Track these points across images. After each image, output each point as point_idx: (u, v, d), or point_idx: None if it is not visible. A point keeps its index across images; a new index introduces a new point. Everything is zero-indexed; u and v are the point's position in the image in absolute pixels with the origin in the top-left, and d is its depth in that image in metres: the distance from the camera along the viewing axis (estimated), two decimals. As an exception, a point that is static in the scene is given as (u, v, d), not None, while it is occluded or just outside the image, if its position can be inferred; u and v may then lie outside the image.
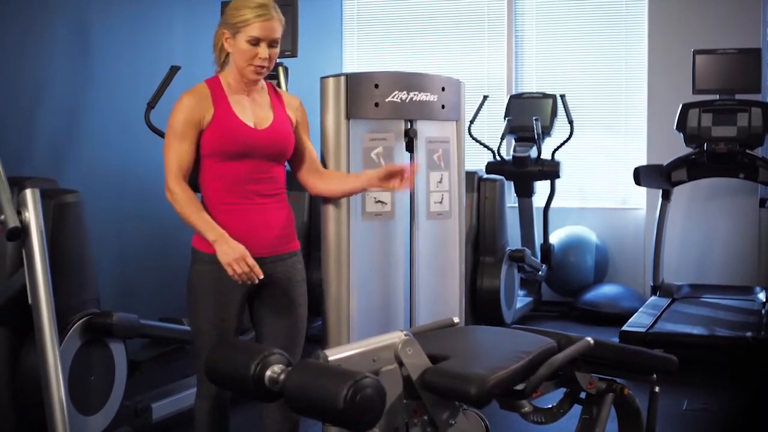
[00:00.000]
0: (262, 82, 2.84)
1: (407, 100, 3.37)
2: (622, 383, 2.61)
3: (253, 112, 2.78)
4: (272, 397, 2.13)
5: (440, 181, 3.49)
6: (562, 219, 6.69)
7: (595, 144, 6.84)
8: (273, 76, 4.46)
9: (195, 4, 5.48)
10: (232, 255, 2.62)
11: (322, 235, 3.31)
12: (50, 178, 3.52)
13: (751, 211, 6.33)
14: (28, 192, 2.66)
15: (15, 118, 4.23)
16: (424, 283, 3.45)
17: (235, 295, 2.74)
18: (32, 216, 2.64)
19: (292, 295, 2.83)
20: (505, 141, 6.37)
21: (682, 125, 5.56)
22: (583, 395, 2.60)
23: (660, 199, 5.90)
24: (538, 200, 6.46)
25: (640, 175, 5.68)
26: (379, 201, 3.35)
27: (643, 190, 6.44)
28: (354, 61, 7.43)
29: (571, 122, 6.17)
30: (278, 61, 3.88)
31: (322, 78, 3.35)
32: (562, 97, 6.21)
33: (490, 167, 6.22)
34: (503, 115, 6.38)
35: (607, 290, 6.38)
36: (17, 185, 2.95)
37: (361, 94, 3.30)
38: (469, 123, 6.20)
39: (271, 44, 2.72)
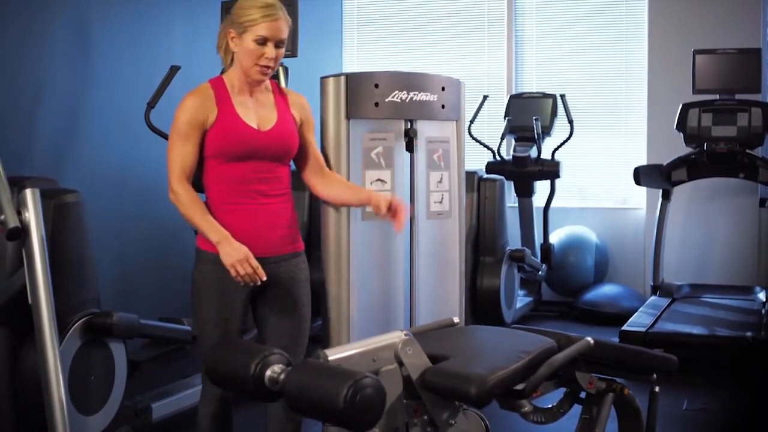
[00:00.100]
0: (267, 82, 2.83)
1: (407, 100, 3.37)
2: (622, 383, 2.61)
3: (257, 112, 2.77)
4: (272, 397, 2.13)
5: (440, 181, 3.49)
6: (562, 219, 6.69)
7: (595, 144, 6.83)
8: (273, 76, 4.45)
9: (195, 4, 5.48)
10: (236, 256, 2.62)
11: (322, 235, 3.31)
12: (50, 178, 3.52)
13: (751, 211, 6.33)
14: (28, 192, 2.66)
15: (15, 118, 4.23)
16: (424, 283, 3.45)
17: (239, 295, 2.73)
18: (32, 216, 2.64)
19: (296, 295, 2.83)
20: (505, 141, 6.37)
21: (682, 125, 5.56)
22: (583, 395, 2.60)
23: (660, 199, 5.90)
24: (538, 200, 6.46)
25: (640, 175, 5.68)
26: (379, 201, 3.34)
27: (643, 189, 6.44)
28: (354, 61, 7.43)
29: (571, 122, 6.17)
30: (278, 61, 3.87)
31: (322, 78, 3.35)
32: (562, 96, 6.21)
33: (490, 167, 6.22)
34: (503, 114, 6.39)
35: (607, 290, 6.38)
36: (17, 185, 2.95)
37: (361, 94, 3.30)
38: (469, 123, 6.20)
39: (278, 44, 2.71)
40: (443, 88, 3.48)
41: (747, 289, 5.93)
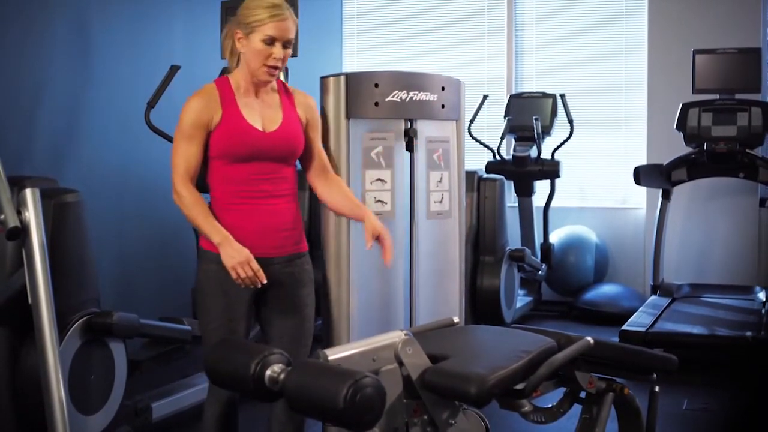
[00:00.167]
0: (273, 81, 2.80)
1: (407, 100, 3.37)
2: (622, 383, 2.61)
3: (262, 113, 2.75)
4: (272, 396, 2.13)
5: (440, 181, 3.49)
6: (562, 218, 6.69)
7: (595, 144, 6.84)
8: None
9: (195, 4, 5.48)
10: (237, 258, 2.62)
11: (322, 235, 3.31)
12: (50, 178, 3.52)
13: (751, 211, 6.33)
14: (28, 192, 2.65)
15: (15, 118, 4.24)
16: (424, 282, 3.45)
17: (243, 295, 2.73)
18: (32, 216, 2.64)
19: (299, 295, 2.82)
20: (505, 140, 6.37)
21: (682, 125, 5.56)
22: (583, 395, 2.60)
23: (660, 199, 5.90)
24: (538, 200, 6.47)
25: (640, 175, 5.68)
26: (379, 200, 3.35)
27: (643, 189, 6.44)
28: (354, 61, 7.43)
29: (571, 122, 6.17)
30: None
31: (322, 78, 3.35)
32: (562, 96, 6.21)
33: (490, 167, 6.22)
34: (503, 114, 6.39)
35: (607, 290, 6.38)
36: (17, 185, 2.94)
37: (361, 93, 3.30)
38: (469, 122, 6.20)
39: (285, 45, 2.69)
40: (443, 88, 3.48)
41: (747, 288, 5.93)
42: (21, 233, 2.59)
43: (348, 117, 3.28)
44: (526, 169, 6.23)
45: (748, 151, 5.44)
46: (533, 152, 6.19)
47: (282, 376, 2.08)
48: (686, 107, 5.56)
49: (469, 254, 5.31)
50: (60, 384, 2.61)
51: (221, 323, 2.73)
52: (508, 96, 6.55)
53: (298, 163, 2.89)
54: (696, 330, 4.95)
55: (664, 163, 5.72)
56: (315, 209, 4.94)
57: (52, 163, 4.41)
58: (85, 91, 4.69)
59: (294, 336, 2.82)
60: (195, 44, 5.35)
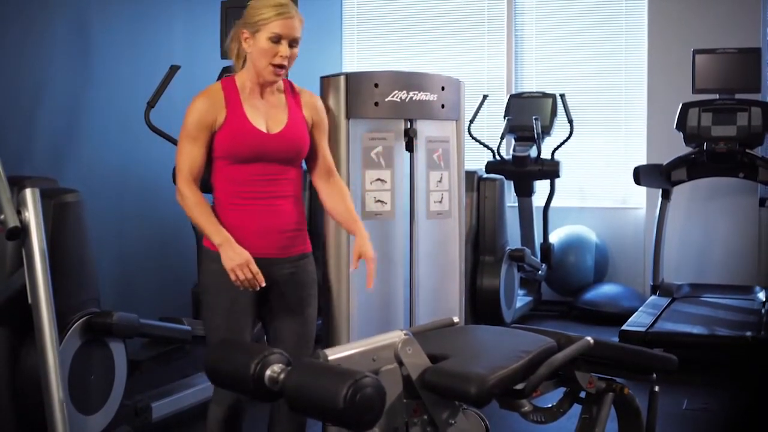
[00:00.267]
0: (280, 82, 2.78)
1: (407, 100, 3.37)
2: (622, 383, 2.61)
3: (267, 114, 2.74)
4: (272, 396, 2.13)
5: (440, 181, 3.50)
6: (561, 218, 6.69)
7: (595, 144, 6.84)
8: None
9: (195, 4, 5.48)
10: (237, 260, 2.62)
11: (322, 235, 3.31)
12: (50, 178, 3.52)
13: (751, 211, 6.33)
14: (28, 192, 2.65)
15: (15, 118, 4.24)
16: (424, 282, 3.45)
17: (246, 293, 2.72)
18: (32, 216, 2.64)
19: (301, 296, 2.82)
20: (504, 140, 6.37)
21: (681, 125, 5.56)
22: (582, 395, 2.60)
23: (660, 199, 5.90)
24: (538, 200, 6.47)
25: (640, 175, 5.69)
26: (378, 200, 3.35)
27: (642, 189, 6.44)
28: (354, 61, 7.44)
29: (570, 122, 6.17)
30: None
31: (322, 77, 3.35)
32: (562, 96, 6.21)
33: (490, 167, 6.22)
34: (503, 114, 6.39)
35: (606, 290, 6.38)
36: (17, 185, 2.95)
37: (361, 93, 3.30)
38: (468, 122, 6.20)
39: (292, 43, 2.68)
40: (443, 88, 3.48)
41: (747, 288, 5.93)
42: (21, 233, 2.59)
43: (348, 117, 3.28)
44: (526, 169, 6.23)
45: (747, 151, 5.44)
46: (533, 152, 6.19)
47: (282, 376, 2.08)
48: (686, 107, 5.56)
49: (469, 254, 5.31)
50: (60, 384, 2.61)
51: (225, 320, 2.72)
52: (508, 96, 6.55)
53: (304, 163, 2.88)
54: (696, 330, 4.95)
55: (664, 163, 5.72)
56: (315, 209, 4.95)
57: (52, 163, 4.41)
58: (85, 91, 4.69)
59: (296, 337, 2.81)
60: (195, 44, 5.35)
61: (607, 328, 5.59)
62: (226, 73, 4.23)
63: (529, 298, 6.33)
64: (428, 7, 7.28)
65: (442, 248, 3.51)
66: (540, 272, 6.26)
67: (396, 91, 3.36)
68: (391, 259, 3.38)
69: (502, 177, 5.73)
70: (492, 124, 6.71)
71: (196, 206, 2.67)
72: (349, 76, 3.32)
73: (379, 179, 3.36)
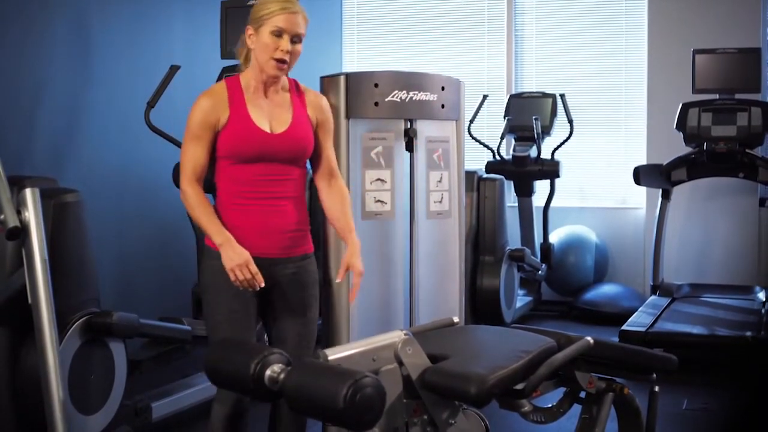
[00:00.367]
0: (285, 81, 2.78)
1: (407, 100, 3.37)
2: (622, 383, 2.61)
3: (271, 114, 2.73)
4: (272, 396, 2.13)
5: (440, 181, 3.50)
6: (561, 218, 6.69)
7: (595, 144, 6.84)
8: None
9: (195, 4, 5.48)
10: (236, 261, 2.62)
11: (322, 235, 3.31)
12: (50, 178, 3.52)
13: (751, 211, 6.33)
14: (28, 191, 2.66)
15: (15, 118, 4.24)
16: (424, 282, 3.45)
17: (248, 292, 2.72)
18: (32, 215, 2.64)
19: (303, 297, 2.81)
20: (504, 140, 6.37)
21: (681, 125, 5.56)
22: (582, 395, 2.60)
23: (660, 199, 5.90)
24: (538, 200, 6.47)
25: (640, 175, 5.69)
26: (378, 200, 3.35)
27: (642, 189, 6.44)
28: (354, 61, 7.43)
29: (570, 122, 6.17)
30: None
31: (322, 77, 3.35)
32: (562, 96, 6.21)
33: (490, 167, 6.22)
34: (503, 114, 6.39)
35: (606, 290, 6.38)
36: (17, 185, 2.95)
37: (361, 93, 3.30)
38: (468, 122, 6.20)
39: (294, 40, 2.67)
40: (443, 88, 3.48)
41: (747, 288, 5.93)
42: (21, 233, 2.60)
43: (348, 117, 3.28)
44: (526, 169, 6.23)
45: (747, 151, 5.44)
46: (533, 152, 6.18)
47: (282, 375, 2.08)
48: (686, 107, 5.56)
49: (469, 254, 5.31)
50: (60, 384, 2.61)
51: (226, 317, 2.72)
52: (508, 96, 6.55)
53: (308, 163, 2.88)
54: (696, 330, 4.95)
55: (664, 163, 5.72)
56: (315, 209, 4.96)
57: (52, 163, 4.41)
58: (85, 91, 4.69)
59: (297, 337, 2.81)
60: (195, 44, 5.35)
61: (607, 328, 5.59)
62: (226, 73, 4.24)
63: (529, 298, 6.33)
64: (428, 7, 7.28)
65: (442, 248, 3.51)
66: (540, 272, 6.26)
67: (396, 91, 3.36)
68: (391, 259, 3.38)
69: (502, 177, 5.73)
70: (492, 124, 6.70)
71: (198, 205, 2.68)
72: (349, 76, 3.32)
73: (379, 179, 3.36)
